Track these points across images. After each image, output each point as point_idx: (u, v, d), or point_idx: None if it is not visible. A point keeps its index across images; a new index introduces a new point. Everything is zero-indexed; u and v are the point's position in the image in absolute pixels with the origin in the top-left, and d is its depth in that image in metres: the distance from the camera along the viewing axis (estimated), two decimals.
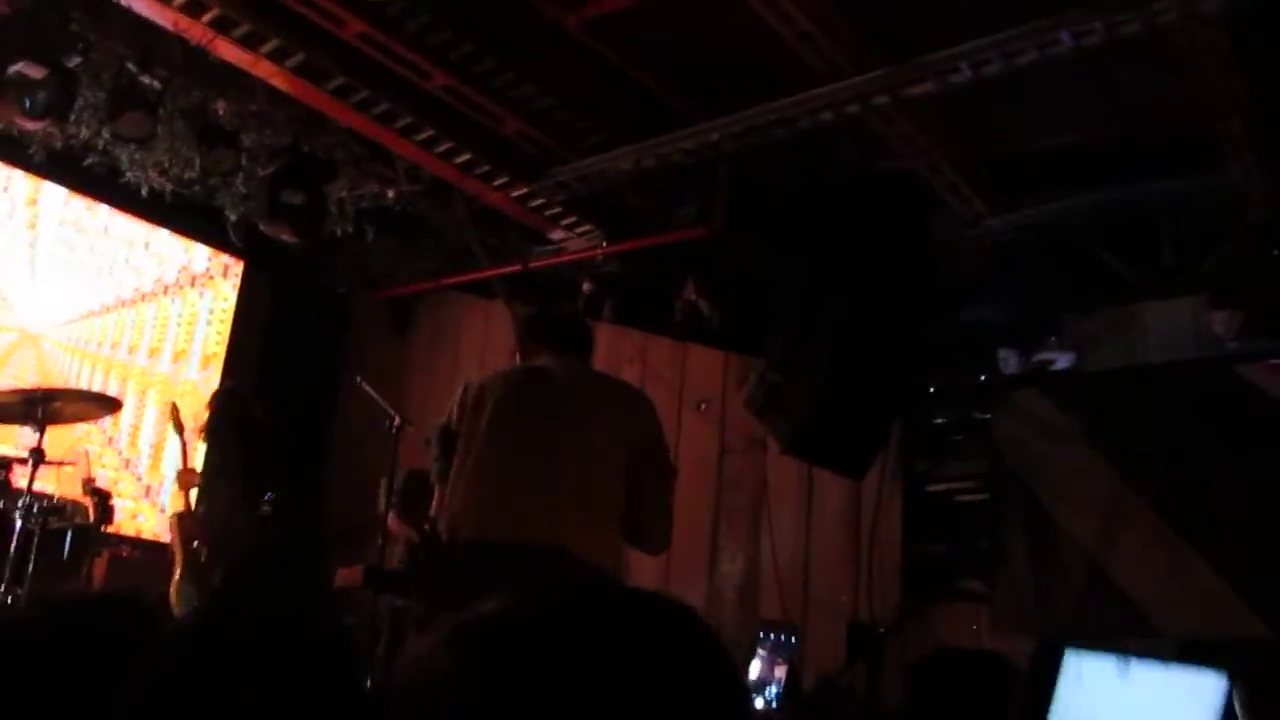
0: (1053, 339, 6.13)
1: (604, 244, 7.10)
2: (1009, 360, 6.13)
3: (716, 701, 0.62)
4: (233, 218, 7.06)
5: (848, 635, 5.75)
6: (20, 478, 4.34)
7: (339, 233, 7.12)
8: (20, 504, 4.28)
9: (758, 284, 6.37)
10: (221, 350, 8.37)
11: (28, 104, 5.45)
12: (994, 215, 6.14)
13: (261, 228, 6.87)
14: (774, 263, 5.95)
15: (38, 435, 4.30)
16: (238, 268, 8.47)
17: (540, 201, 6.80)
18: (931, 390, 6.29)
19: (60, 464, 4.68)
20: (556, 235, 7.31)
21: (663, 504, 3.15)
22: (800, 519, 6.33)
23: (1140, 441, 5.37)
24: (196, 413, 8.14)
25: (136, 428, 7.80)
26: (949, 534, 5.99)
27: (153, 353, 8.06)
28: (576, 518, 2.89)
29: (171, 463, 7.95)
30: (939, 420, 6.33)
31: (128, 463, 7.71)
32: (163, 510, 7.84)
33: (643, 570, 6.76)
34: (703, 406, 6.93)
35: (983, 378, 6.21)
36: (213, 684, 0.98)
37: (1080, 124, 5.64)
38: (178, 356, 8.18)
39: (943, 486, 6.16)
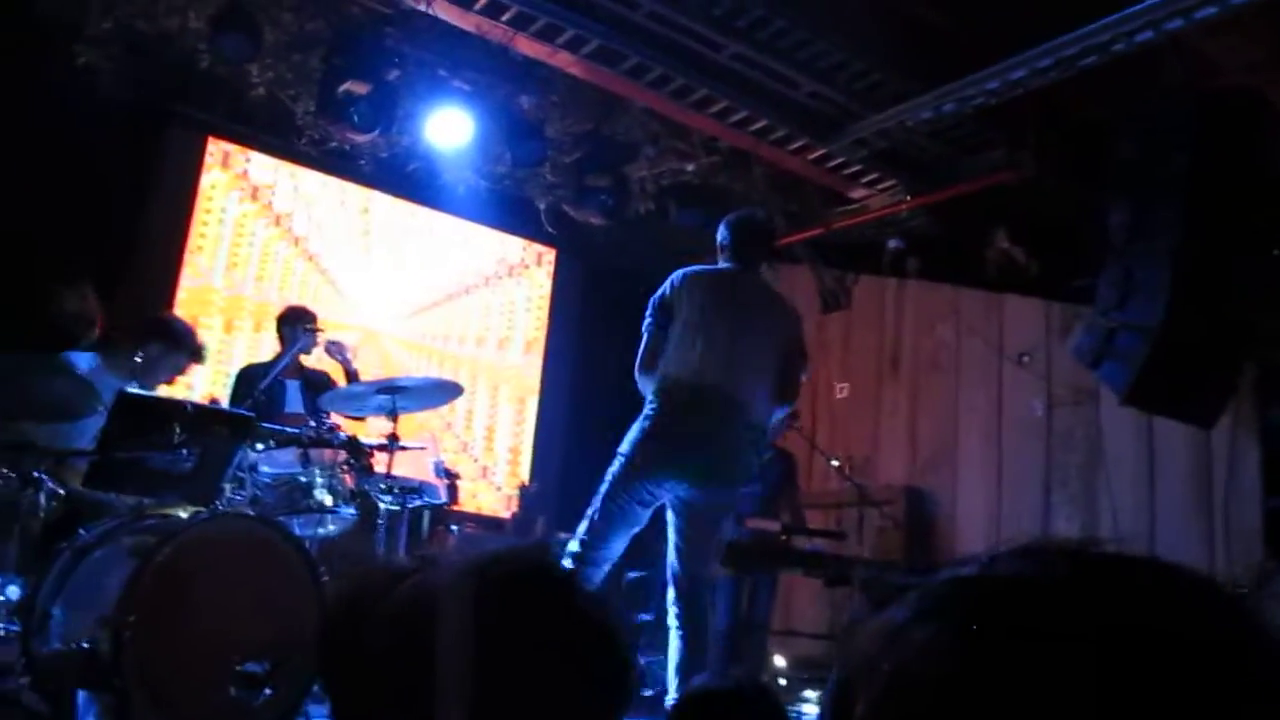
0: None
1: (907, 198, 6.90)
2: None
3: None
4: (542, 206, 7.38)
5: None
6: (379, 463, 4.74)
7: (642, 211, 7.29)
8: (381, 487, 4.71)
9: (1077, 226, 5.99)
10: (541, 335, 8.79)
11: (357, 119, 5.92)
12: None
13: (570, 213, 7.15)
14: (1094, 202, 5.56)
15: (391, 423, 4.69)
16: (550, 255, 8.85)
17: (839, 161, 6.69)
18: None
19: (414, 449, 5.05)
20: (857, 194, 7.17)
21: (799, 375, 4.35)
22: (1142, 474, 5.90)
23: None
24: (521, 395, 8.67)
25: (470, 412, 8.32)
26: None
27: (479, 341, 8.57)
28: (753, 382, 4.07)
29: (505, 443, 8.44)
30: None
31: (465, 445, 8.24)
32: (498, 489, 8.33)
33: (972, 533, 6.56)
34: (1025, 359, 6.61)
35: None
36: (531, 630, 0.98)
37: None
38: (501, 343, 8.66)
39: None
